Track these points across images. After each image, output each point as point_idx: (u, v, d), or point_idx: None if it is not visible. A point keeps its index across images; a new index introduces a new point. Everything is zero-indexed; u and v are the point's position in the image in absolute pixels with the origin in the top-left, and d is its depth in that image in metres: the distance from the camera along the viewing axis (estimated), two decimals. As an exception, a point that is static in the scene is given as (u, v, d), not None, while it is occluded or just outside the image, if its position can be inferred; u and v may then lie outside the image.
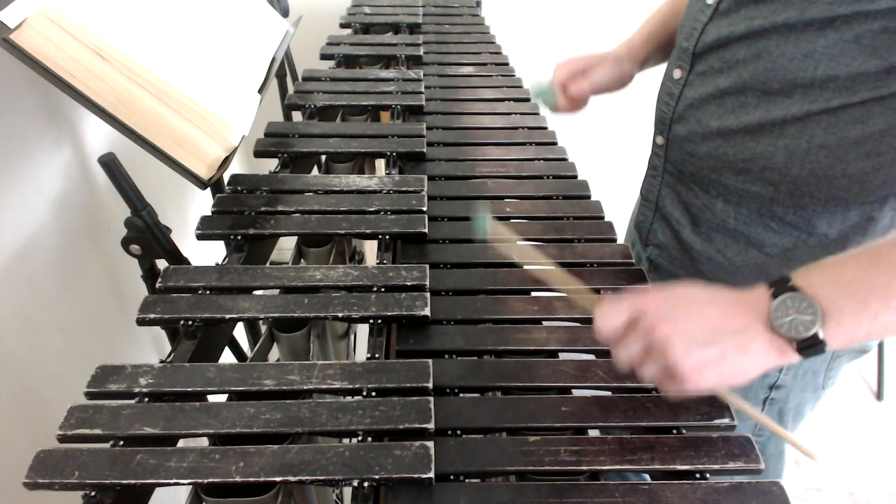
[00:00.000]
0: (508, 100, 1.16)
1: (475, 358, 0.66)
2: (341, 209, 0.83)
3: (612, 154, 2.03)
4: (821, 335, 0.49)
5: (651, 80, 0.93)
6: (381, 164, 1.20)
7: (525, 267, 0.74)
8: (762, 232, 0.74)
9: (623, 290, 0.71)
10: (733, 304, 0.53)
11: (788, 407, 0.84)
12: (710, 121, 0.73)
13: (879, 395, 1.94)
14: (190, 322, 0.66)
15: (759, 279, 0.67)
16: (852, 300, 0.50)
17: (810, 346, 0.50)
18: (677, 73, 0.77)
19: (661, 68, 0.82)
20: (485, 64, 1.30)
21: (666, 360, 0.51)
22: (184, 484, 0.52)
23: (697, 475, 0.55)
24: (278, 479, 0.52)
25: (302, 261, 0.90)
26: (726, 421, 0.59)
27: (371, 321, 0.68)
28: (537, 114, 1.12)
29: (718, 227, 0.77)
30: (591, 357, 0.66)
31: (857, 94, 0.62)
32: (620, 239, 0.84)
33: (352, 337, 1.20)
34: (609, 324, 0.54)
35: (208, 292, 0.70)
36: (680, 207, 0.83)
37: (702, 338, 0.51)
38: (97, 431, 0.55)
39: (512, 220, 0.86)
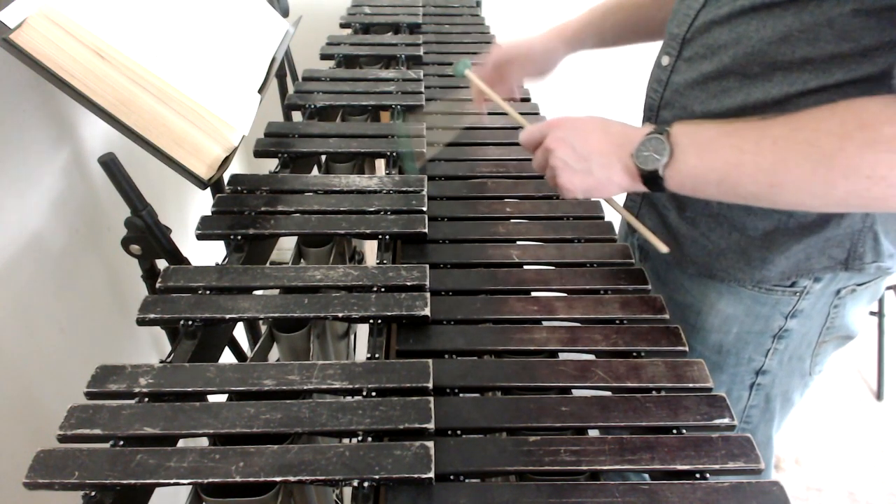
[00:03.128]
0: (508, 99, 1.16)
1: (475, 358, 0.66)
2: (341, 209, 0.83)
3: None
4: (661, 172, 0.63)
5: (641, 68, 0.93)
6: (381, 164, 1.20)
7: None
8: (744, 215, 0.75)
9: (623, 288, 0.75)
10: (614, 134, 0.67)
11: (775, 392, 0.85)
12: (695, 106, 0.75)
13: (879, 395, 1.94)
14: (190, 322, 0.66)
15: (742, 261, 0.78)
16: (698, 155, 0.62)
17: (651, 179, 0.64)
18: (665, 60, 0.79)
19: (653, 56, 0.82)
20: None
21: (552, 167, 0.68)
22: (184, 484, 0.52)
23: (697, 475, 0.55)
24: (278, 479, 0.52)
25: (302, 261, 0.90)
26: (726, 421, 0.59)
27: (371, 321, 0.68)
28: (537, 114, 1.12)
29: (703, 211, 0.79)
30: (591, 357, 0.66)
31: (833, 76, 0.63)
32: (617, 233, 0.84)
33: (352, 337, 1.20)
34: (527, 138, 0.73)
35: (208, 292, 0.70)
36: (667, 193, 0.83)
37: (579, 153, 0.67)
38: (97, 431, 0.55)
39: (512, 220, 0.86)
